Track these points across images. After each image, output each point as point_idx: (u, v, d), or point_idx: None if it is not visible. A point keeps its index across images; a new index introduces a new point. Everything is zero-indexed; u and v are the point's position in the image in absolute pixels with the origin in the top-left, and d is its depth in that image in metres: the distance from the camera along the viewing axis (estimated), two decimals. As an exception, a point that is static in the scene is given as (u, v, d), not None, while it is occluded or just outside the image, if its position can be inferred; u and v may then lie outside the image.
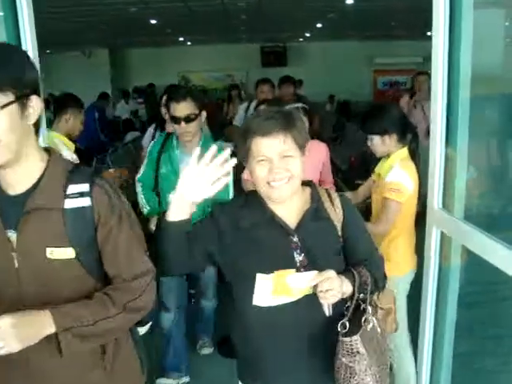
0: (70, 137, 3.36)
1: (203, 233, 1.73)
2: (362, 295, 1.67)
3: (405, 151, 2.62)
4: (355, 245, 1.78)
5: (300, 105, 3.26)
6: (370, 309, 1.69)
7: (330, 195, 1.81)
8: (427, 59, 2.37)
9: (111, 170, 3.79)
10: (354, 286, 1.64)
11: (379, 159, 2.77)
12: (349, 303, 1.67)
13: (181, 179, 1.57)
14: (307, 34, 13.35)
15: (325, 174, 3.30)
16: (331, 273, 1.57)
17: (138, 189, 3.17)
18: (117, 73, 14.57)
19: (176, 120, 2.88)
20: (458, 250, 2.40)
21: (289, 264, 1.65)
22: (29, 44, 2.19)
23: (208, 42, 13.52)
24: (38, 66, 2.13)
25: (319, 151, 3.27)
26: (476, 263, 2.14)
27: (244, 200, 1.82)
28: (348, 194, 2.91)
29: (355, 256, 1.77)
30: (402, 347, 2.72)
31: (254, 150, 1.66)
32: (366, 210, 2.87)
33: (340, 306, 1.68)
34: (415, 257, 2.72)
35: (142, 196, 3.14)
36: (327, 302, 1.61)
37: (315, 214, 1.74)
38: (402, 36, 12.34)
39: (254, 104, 5.11)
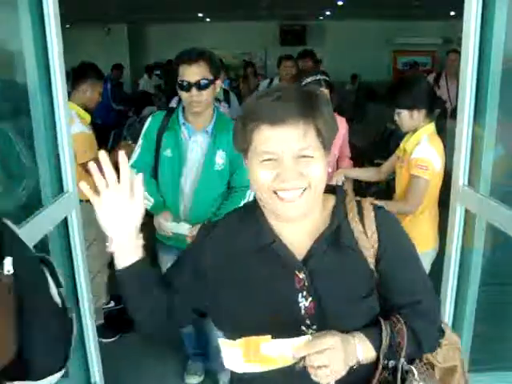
0: (86, 108, 3.31)
1: (181, 279, 1.32)
2: (392, 362, 1.20)
3: (432, 126, 2.55)
4: (394, 283, 1.25)
5: (321, 77, 2.94)
6: (415, 372, 1.21)
7: (361, 210, 1.27)
8: (447, 40, 2.30)
9: (129, 142, 3.74)
10: (378, 351, 1.18)
11: (399, 138, 2.71)
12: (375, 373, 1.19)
13: (97, 210, 1.21)
14: (327, 12, 13.15)
15: (343, 149, 3.24)
16: (328, 341, 1.09)
17: None
18: (135, 49, 14.50)
19: (184, 86, 2.41)
20: (483, 227, 2.35)
21: (290, 312, 1.21)
22: (52, 18, 2.14)
23: (227, 19, 13.36)
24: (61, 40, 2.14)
25: (340, 126, 3.18)
26: (500, 242, 2.10)
27: (239, 215, 1.36)
28: (371, 170, 2.85)
29: (393, 300, 1.25)
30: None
31: (256, 143, 1.17)
32: (387, 188, 2.83)
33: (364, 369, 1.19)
34: (437, 237, 2.67)
35: None
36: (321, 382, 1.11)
37: (335, 238, 1.24)
38: (422, 16, 12.10)
39: (276, 80, 4.96)
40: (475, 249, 2.42)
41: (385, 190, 2.99)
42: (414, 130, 2.58)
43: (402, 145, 2.66)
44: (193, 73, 2.41)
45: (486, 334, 2.47)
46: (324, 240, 1.23)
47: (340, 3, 10.94)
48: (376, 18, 12.98)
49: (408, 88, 2.58)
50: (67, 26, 11.94)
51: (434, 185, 2.53)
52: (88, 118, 3.27)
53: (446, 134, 2.62)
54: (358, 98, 11.31)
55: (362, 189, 3.23)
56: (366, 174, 2.92)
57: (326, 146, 1.21)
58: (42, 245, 2.08)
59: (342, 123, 3.16)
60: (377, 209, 1.28)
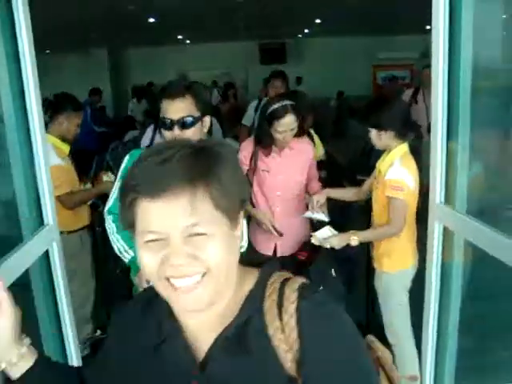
0: (63, 139, 3.31)
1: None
2: None
3: (404, 147, 2.58)
4: None
5: (288, 102, 2.91)
6: None
7: (282, 298, 0.97)
8: (424, 54, 2.36)
9: (109, 174, 3.69)
10: None
11: (380, 154, 2.75)
12: None
13: None
14: (306, 30, 13.32)
15: (311, 171, 3.23)
16: None
17: (110, 225, 2.41)
18: (116, 73, 14.56)
19: (167, 124, 2.17)
20: (461, 244, 2.38)
21: None
22: (25, 44, 2.16)
23: (206, 40, 13.48)
24: (35, 66, 2.15)
25: (307, 150, 3.15)
26: (479, 258, 2.13)
27: (148, 297, 1.09)
28: (352, 190, 2.88)
29: None
30: (404, 344, 2.72)
31: (138, 220, 0.93)
32: (366, 206, 2.85)
33: None
34: (416, 253, 2.70)
35: (119, 236, 2.36)
36: None
37: (238, 340, 0.96)
38: (401, 31, 12.30)
39: (264, 101, 4.99)
40: (455, 265, 2.44)
41: (364, 208, 3.01)
42: (389, 150, 2.62)
43: (377, 165, 2.70)
44: (176, 109, 2.15)
45: (469, 349, 2.48)
46: (227, 337, 0.97)
47: (318, 21, 11.09)
48: (354, 34, 13.18)
49: (377, 108, 2.63)
50: (47, 51, 11.98)
51: (409, 204, 2.56)
52: (66, 148, 3.27)
53: (421, 153, 2.65)
54: (339, 115, 11.42)
55: (343, 207, 3.24)
56: (348, 194, 2.95)
57: (231, 216, 0.95)
58: (23, 279, 2.07)
59: (307, 147, 3.18)
60: (302, 299, 0.97)
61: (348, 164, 6.88)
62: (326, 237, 2.64)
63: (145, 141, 4.05)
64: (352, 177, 4.55)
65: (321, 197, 2.83)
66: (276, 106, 2.87)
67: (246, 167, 3.06)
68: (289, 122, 2.85)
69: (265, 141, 2.99)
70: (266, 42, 14.51)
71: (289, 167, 3.09)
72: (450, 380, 2.57)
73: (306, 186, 3.22)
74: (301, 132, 3.07)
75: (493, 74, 2.48)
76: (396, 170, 2.52)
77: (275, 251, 3.17)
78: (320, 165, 3.36)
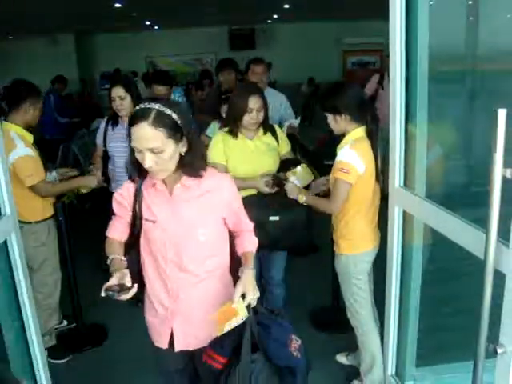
0: (28, 127, 3.25)
1: None
2: None
3: (359, 131, 2.60)
4: None
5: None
6: None
7: None
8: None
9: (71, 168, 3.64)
10: None
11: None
12: None
13: None
14: (275, 16, 13.25)
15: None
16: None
17: None
18: (84, 59, 14.28)
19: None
20: (421, 228, 2.43)
21: None
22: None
23: (175, 26, 13.32)
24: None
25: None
26: (439, 240, 2.17)
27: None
28: (321, 180, 2.90)
29: None
30: (366, 325, 2.76)
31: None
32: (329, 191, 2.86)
33: None
34: (376, 236, 2.73)
35: None
36: None
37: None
38: (369, 16, 12.32)
39: None
40: (415, 247, 2.49)
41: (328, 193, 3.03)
42: (343, 134, 2.65)
43: (337, 149, 2.70)
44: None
45: (429, 329, 2.54)
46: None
47: (286, 6, 11.04)
48: (324, 20, 13.16)
49: (333, 94, 2.65)
50: (10, 37, 11.71)
51: (362, 188, 2.57)
52: (30, 137, 3.19)
53: (377, 138, 2.66)
54: (309, 101, 11.43)
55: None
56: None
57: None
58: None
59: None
60: None
61: (316, 149, 6.93)
62: (294, 179, 2.84)
63: (98, 138, 3.88)
64: (320, 162, 4.57)
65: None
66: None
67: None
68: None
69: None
70: (236, 28, 14.41)
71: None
72: (412, 360, 2.64)
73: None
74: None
75: (450, 60, 2.51)
76: (345, 152, 2.54)
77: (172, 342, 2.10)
78: (285, 164, 3.09)
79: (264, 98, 2.98)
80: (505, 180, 1.49)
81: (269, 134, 3.10)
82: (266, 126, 3.08)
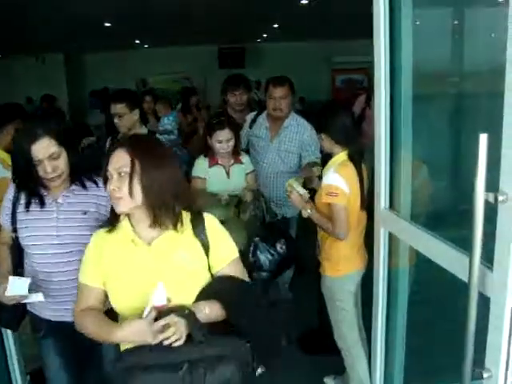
0: (10, 150, 3.21)
1: None
2: None
3: (342, 155, 2.63)
4: None
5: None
6: None
7: None
8: None
9: None
10: None
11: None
12: None
13: None
14: (264, 35, 13.36)
15: None
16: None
17: None
18: (73, 78, 14.28)
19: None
20: (406, 250, 2.42)
21: None
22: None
23: (165, 45, 13.37)
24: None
25: None
26: (425, 262, 2.16)
27: None
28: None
29: None
30: (353, 348, 2.74)
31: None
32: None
33: None
34: (361, 259, 2.73)
35: None
36: None
37: None
38: (357, 35, 12.46)
39: (264, 115, 3.85)
40: (401, 270, 2.48)
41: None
42: (331, 156, 2.67)
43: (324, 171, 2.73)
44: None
45: (416, 351, 2.52)
46: None
47: (275, 26, 11.13)
48: (313, 39, 13.28)
49: (320, 113, 2.72)
50: (-1, 56, 11.70)
51: (348, 210, 2.58)
52: (9, 159, 3.15)
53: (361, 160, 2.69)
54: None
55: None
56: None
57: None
58: None
59: None
60: None
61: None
62: (298, 189, 2.76)
63: None
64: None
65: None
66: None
67: None
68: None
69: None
70: (225, 47, 14.49)
71: None
72: (399, 382, 2.61)
73: None
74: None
75: (435, 80, 2.54)
76: (331, 176, 2.56)
77: None
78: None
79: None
80: (487, 204, 1.49)
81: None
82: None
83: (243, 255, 2.99)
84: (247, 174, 3.41)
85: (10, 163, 3.12)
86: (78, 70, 14.54)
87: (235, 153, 3.35)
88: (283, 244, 3.08)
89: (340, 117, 2.67)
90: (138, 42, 13.11)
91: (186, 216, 1.79)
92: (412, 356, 2.53)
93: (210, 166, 3.34)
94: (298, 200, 2.72)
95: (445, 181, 2.63)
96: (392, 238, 2.45)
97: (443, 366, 2.39)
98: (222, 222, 1.94)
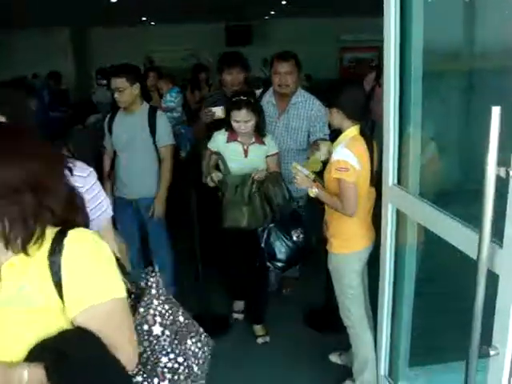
0: None
1: None
2: None
3: (354, 130, 2.58)
4: None
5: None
6: None
7: None
8: None
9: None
10: None
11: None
12: None
13: None
14: (272, 12, 13.20)
15: None
16: None
17: None
18: (79, 54, 14.20)
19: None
20: (414, 226, 2.40)
21: None
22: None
23: (171, 22, 13.25)
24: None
25: None
26: (433, 239, 2.14)
27: None
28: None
29: None
30: (358, 325, 2.73)
31: None
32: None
33: None
34: (369, 236, 2.70)
35: None
36: None
37: None
38: (367, 12, 12.28)
39: (270, 92, 3.75)
40: (408, 246, 2.46)
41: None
42: (341, 131, 2.63)
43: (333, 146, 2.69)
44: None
45: (422, 328, 2.52)
46: None
47: (283, 2, 10.98)
48: (322, 16, 13.10)
49: (332, 88, 2.70)
50: (4, 31, 11.62)
51: (358, 187, 2.54)
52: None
53: (371, 138, 2.64)
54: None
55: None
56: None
57: None
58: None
59: None
60: None
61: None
62: (302, 170, 2.72)
63: None
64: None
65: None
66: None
67: None
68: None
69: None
70: (233, 24, 14.34)
71: None
72: (405, 360, 2.61)
73: None
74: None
75: (445, 56, 2.49)
76: (341, 151, 2.51)
77: None
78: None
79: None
80: (499, 179, 1.46)
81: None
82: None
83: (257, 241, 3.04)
84: (268, 156, 3.26)
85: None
86: (84, 46, 14.47)
87: (258, 134, 3.22)
88: (300, 233, 3.01)
89: (353, 91, 2.63)
90: (144, 18, 13.00)
91: (51, 234, 1.26)
92: (418, 334, 2.52)
93: (228, 142, 3.23)
94: (305, 180, 2.69)
95: (454, 157, 2.60)
96: (400, 216, 2.42)
97: (449, 344, 2.38)
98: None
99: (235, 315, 3.72)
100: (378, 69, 6.15)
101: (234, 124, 3.12)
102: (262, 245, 2.99)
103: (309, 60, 13.46)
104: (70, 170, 1.62)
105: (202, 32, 14.04)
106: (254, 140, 3.22)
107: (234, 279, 3.71)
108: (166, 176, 3.66)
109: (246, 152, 3.22)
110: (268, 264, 3.02)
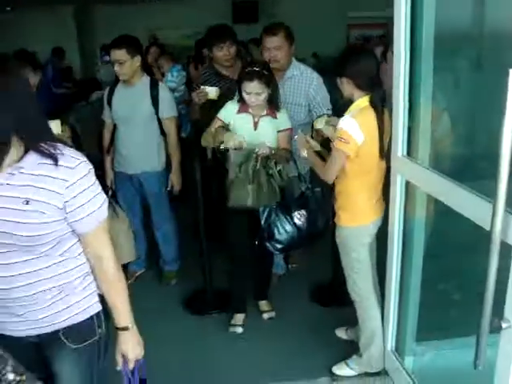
0: None
1: None
2: None
3: (364, 100, 2.49)
4: None
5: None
6: None
7: None
8: None
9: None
10: None
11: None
12: None
13: None
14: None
15: None
16: None
17: None
18: (83, 31, 14.07)
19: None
20: (424, 199, 2.34)
21: None
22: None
23: (177, -1, 13.10)
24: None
25: None
26: (443, 211, 2.09)
27: None
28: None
29: None
30: (366, 300, 2.69)
31: None
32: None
33: None
34: (379, 209, 2.64)
35: None
36: None
37: None
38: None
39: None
40: (417, 219, 2.41)
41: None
42: (351, 101, 2.54)
43: None
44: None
45: (430, 303, 2.48)
46: None
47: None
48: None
49: (342, 57, 2.59)
50: (8, 8, 11.52)
51: (364, 159, 2.45)
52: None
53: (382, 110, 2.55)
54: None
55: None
56: None
57: None
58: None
59: None
60: None
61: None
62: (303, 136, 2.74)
63: None
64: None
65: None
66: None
67: None
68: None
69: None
70: (239, 0, 14.14)
71: None
72: (412, 336, 2.58)
73: None
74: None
75: (457, 30, 2.41)
76: (345, 121, 2.42)
77: None
78: None
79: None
80: None
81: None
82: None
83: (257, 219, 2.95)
84: (279, 131, 3.06)
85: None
86: (88, 23, 14.33)
87: (272, 107, 3.04)
88: (302, 216, 2.90)
89: (363, 60, 2.53)
90: (149, -5, 12.84)
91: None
92: (426, 309, 2.49)
93: (239, 113, 3.06)
94: (300, 140, 2.71)
95: (467, 128, 2.52)
96: (407, 187, 2.37)
97: (457, 318, 2.35)
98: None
99: (233, 329, 3.30)
100: (385, 45, 6.05)
101: (245, 96, 2.95)
102: (262, 223, 2.92)
103: (316, 37, 13.37)
104: (56, 160, 1.44)
105: (207, 9, 13.86)
106: (266, 112, 3.05)
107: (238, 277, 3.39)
108: (175, 151, 3.62)
109: (255, 124, 3.05)
110: (267, 244, 2.94)
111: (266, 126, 3.05)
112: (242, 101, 3.03)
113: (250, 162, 2.91)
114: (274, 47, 3.31)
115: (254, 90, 2.91)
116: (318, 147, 2.68)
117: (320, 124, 2.75)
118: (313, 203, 2.92)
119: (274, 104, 3.03)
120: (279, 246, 2.93)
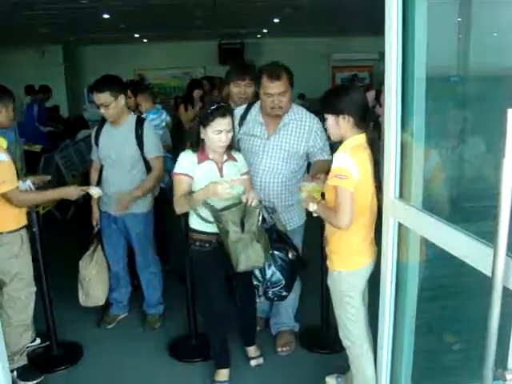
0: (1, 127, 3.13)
1: None
2: None
3: (360, 138, 2.44)
4: None
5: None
6: None
7: None
8: (384, 55, 2.22)
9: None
10: None
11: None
12: None
13: None
14: (265, 30, 13.24)
15: None
16: None
17: None
18: (71, 70, 14.15)
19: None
20: (417, 242, 2.28)
21: None
22: None
23: (164, 39, 13.24)
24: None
25: None
26: (437, 255, 2.04)
27: None
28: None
29: None
30: (359, 346, 2.60)
31: None
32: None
33: None
34: (372, 251, 2.57)
35: None
36: None
37: None
38: (358, 32, 12.35)
39: (257, 106, 3.22)
40: (411, 263, 2.35)
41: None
42: (341, 141, 2.48)
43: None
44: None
45: (426, 351, 2.40)
46: None
47: (276, 21, 11.00)
48: (313, 35, 13.16)
49: (337, 94, 2.50)
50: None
51: (358, 198, 2.38)
52: (3, 142, 3.02)
53: (379, 148, 2.50)
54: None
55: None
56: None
57: None
58: None
59: None
60: None
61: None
62: (305, 187, 2.64)
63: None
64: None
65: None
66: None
67: None
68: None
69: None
70: (226, 42, 14.37)
71: None
72: (407, 382, 2.48)
73: None
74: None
75: (446, 68, 2.41)
76: (341, 157, 2.35)
77: None
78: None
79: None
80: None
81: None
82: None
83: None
84: (242, 174, 2.89)
85: (4, 146, 3.00)
86: (77, 63, 14.43)
87: (228, 148, 2.84)
88: (294, 251, 2.87)
89: (359, 96, 2.49)
90: (137, 35, 12.96)
91: None
92: (421, 356, 2.40)
93: (200, 162, 2.81)
94: (305, 199, 2.60)
95: (459, 169, 2.49)
96: (400, 230, 2.31)
97: (455, 366, 2.26)
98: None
99: None
100: (378, 91, 6.09)
101: (215, 137, 2.71)
102: (267, 273, 2.82)
103: (302, 79, 13.49)
104: None
105: (194, 50, 14.05)
106: (226, 157, 2.86)
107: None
108: (150, 181, 3.50)
109: (220, 170, 2.83)
110: (268, 291, 2.85)
111: (231, 170, 2.86)
112: (199, 149, 2.83)
113: (251, 218, 2.70)
114: (280, 93, 3.00)
115: (228, 127, 2.73)
116: (319, 198, 2.61)
117: (305, 191, 2.66)
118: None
119: (230, 145, 2.85)
120: (284, 291, 2.88)
